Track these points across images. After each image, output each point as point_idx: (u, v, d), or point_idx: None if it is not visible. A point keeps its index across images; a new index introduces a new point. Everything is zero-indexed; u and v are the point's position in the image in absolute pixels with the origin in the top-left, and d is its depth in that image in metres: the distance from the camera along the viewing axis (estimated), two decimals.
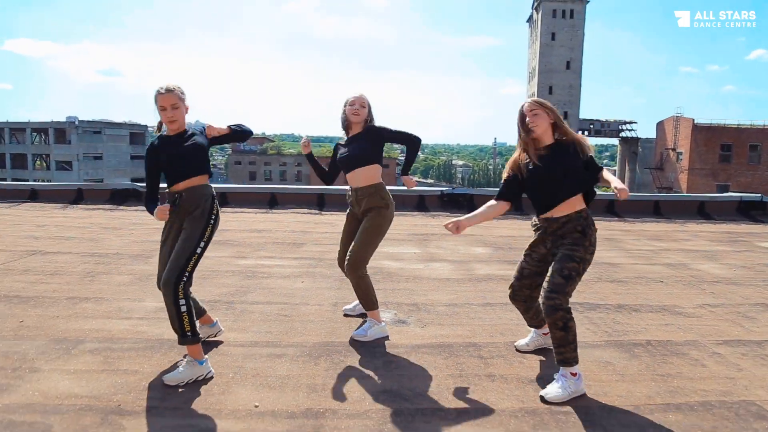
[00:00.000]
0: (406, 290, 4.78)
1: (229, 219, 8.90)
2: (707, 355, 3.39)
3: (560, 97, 61.81)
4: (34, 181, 58.82)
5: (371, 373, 3.05)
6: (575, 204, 2.93)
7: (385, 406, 2.65)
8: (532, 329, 3.41)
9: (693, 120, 45.74)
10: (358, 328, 3.63)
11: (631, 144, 62.46)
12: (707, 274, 5.73)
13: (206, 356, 3.03)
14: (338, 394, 2.76)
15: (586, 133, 63.60)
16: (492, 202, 3.07)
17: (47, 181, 59.01)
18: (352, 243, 3.57)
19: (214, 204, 3.12)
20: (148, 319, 3.89)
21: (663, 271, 5.84)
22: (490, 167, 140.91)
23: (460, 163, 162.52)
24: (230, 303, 4.33)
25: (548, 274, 2.90)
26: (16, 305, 4.14)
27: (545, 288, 2.82)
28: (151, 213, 3.02)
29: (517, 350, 3.42)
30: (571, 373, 2.78)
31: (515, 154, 3.07)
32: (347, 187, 3.81)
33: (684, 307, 4.47)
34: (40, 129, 60.75)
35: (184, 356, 3.00)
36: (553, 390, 2.76)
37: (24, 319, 3.84)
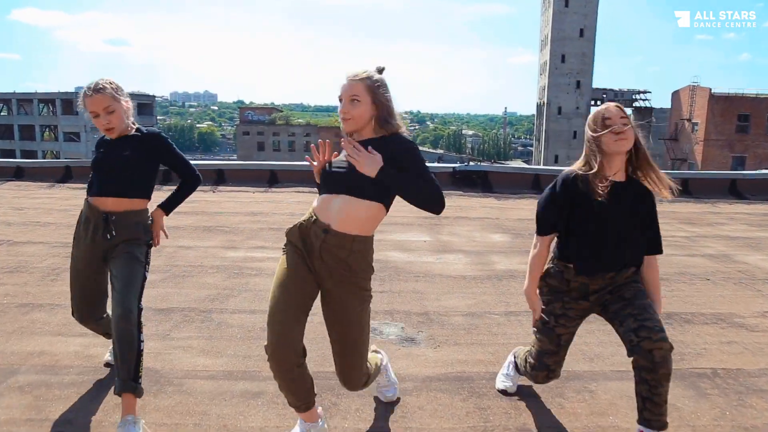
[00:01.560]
0: (415, 293, 4.11)
1: (224, 200, 8.24)
2: None
3: (573, 66, 60.29)
4: (43, 152, 58.44)
5: (370, 425, 2.38)
6: None
7: None
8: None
9: (710, 90, 44.42)
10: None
11: (645, 114, 61.03)
12: (757, 268, 5.03)
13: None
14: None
15: (598, 102, 62.34)
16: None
17: (56, 153, 58.60)
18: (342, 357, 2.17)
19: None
20: (104, 341, 3.23)
21: (705, 264, 5.15)
22: (500, 137, 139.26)
23: (470, 132, 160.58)
24: (207, 313, 3.67)
25: (630, 315, 2.07)
26: None
27: (653, 329, 2.00)
28: None
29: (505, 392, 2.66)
30: None
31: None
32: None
33: (743, 315, 3.78)
34: (48, 99, 60.01)
35: (128, 416, 2.20)
36: None
37: None
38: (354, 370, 2.14)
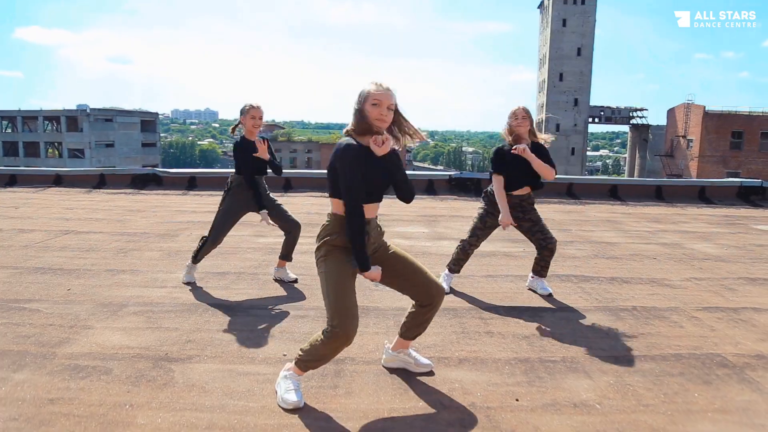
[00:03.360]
0: None
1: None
2: (686, 319, 3.76)
3: (571, 84, 61.71)
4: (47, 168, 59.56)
5: (383, 330, 3.44)
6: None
7: None
8: None
9: (704, 107, 45.66)
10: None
11: (641, 131, 62.34)
12: (699, 252, 6.07)
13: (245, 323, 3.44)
14: (355, 346, 3.15)
15: (596, 120, 63.62)
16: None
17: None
18: (419, 272, 2.79)
19: None
20: (182, 288, 4.31)
21: (658, 249, 6.19)
22: None
23: (470, 149, 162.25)
24: (254, 274, 4.74)
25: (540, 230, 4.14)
26: (60, 276, 4.57)
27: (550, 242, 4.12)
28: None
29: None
30: None
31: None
32: None
33: (672, 280, 4.83)
34: (52, 117, 61.43)
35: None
36: None
37: (70, 287, 4.27)
38: (433, 279, 2.72)
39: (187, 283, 4.40)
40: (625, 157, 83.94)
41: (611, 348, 3.22)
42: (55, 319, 3.54)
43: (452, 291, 4.34)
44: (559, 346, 3.24)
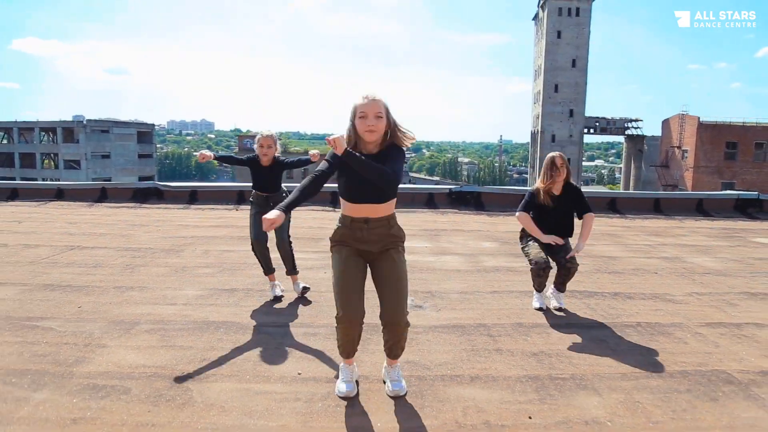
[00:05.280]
0: (420, 280, 5.23)
1: (248, 216, 9.34)
2: (690, 335, 3.83)
3: (566, 95, 62.13)
4: (44, 179, 59.61)
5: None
6: None
7: (410, 374, 3.11)
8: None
9: (698, 118, 46.03)
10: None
11: (636, 142, 62.73)
12: (699, 266, 6.15)
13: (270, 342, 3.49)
14: (369, 364, 3.22)
15: (591, 131, 63.98)
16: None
17: (56, 180, 59.77)
18: (388, 293, 2.80)
19: None
20: (192, 305, 4.36)
21: (659, 264, 6.26)
22: (496, 165, 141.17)
23: (466, 160, 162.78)
24: (262, 291, 4.79)
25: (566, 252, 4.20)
26: (70, 293, 4.62)
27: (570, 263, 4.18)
28: None
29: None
30: None
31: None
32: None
33: (674, 295, 4.90)
34: (49, 128, 61.50)
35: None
36: None
37: (81, 305, 4.31)
38: (400, 305, 2.72)
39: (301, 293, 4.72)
40: (621, 167, 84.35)
41: (618, 365, 3.29)
42: (69, 337, 3.59)
43: (458, 308, 4.40)
44: (567, 363, 3.30)
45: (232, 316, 4.09)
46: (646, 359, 3.38)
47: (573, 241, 4.33)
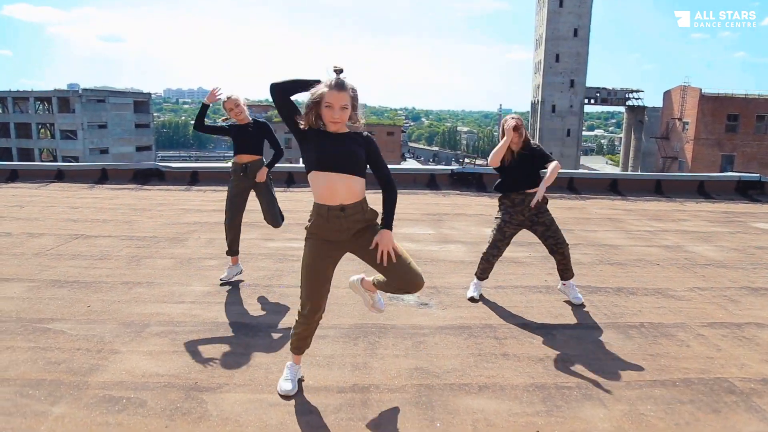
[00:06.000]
0: (425, 273, 5.20)
1: (251, 199, 9.36)
2: (692, 337, 3.89)
3: (567, 65, 61.45)
4: (40, 149, 59.40)
5: (403, 353, 3.56)
6: None
7: (419, 382, 3.17)
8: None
9: (700, 90, 45.76)
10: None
11: (637, 113, 62.41)
12: (700, 256, 6.20)
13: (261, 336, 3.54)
14: (378, 371, 3.28)
15: (591, 101, 63.58)
16: None
17: (52, 150, 59.55)
18: (401, 266, 2.99)
19: None
20: (200, 303, 4.40)
21: (660, 253, 6.31)
22: (495, 134, 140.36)
23: (465, 129, 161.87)
24: (269, 287, 4.84)
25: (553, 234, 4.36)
26: (78, 290, 4.66)
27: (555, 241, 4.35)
28: None
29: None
30: None
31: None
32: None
33: (676, 290, 4.96)
34: (44, 98, 60.91)
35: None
36: None
37: (90, 304, 4.35)
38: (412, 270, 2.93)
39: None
40: (620, 137, 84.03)
41: (622, 372, 3.35)
42: (81, 342, 3.64)
43: (463, 305, 4.45)
44: (573, 371, 3.37)
45: (241, 317, 4.14)
46: (649, 365, 3.44)
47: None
